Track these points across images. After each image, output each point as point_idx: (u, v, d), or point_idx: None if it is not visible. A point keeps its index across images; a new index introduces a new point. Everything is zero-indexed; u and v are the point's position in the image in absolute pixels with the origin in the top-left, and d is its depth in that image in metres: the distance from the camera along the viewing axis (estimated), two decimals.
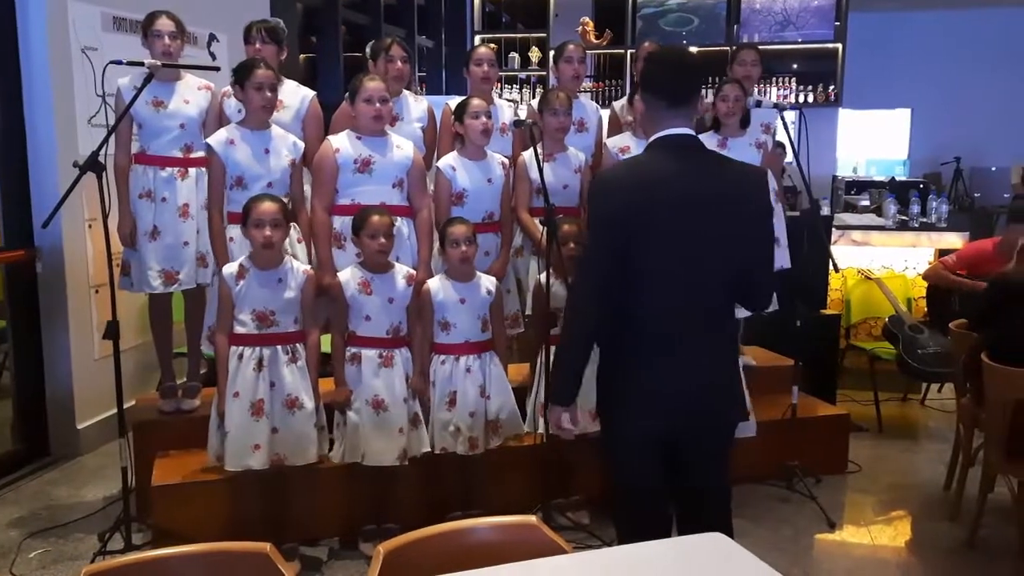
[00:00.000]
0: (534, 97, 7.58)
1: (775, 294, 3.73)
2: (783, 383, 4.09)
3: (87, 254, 4.35)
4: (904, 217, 5.87)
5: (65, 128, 4.20)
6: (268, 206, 3.09)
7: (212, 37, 5.17)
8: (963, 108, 8.67)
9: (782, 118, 4.02)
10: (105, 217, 3.18)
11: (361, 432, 3.25)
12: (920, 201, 5.91)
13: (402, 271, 3.35)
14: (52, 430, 4.33)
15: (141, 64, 3.40)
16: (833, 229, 5.46)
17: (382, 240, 3.23)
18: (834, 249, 4.54)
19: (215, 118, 3.67)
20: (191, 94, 3.64)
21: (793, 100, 8.29)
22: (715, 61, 6.65)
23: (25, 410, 4.28)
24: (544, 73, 8.66)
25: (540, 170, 3.40)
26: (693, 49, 7.42)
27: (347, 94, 3.56)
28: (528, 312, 3.82)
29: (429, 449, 3.37)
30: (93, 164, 3.11)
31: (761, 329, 4.57)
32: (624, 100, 4.39)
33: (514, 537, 1.83)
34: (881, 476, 4.20)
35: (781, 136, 4.16)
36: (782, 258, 4.09)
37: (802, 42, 8.31)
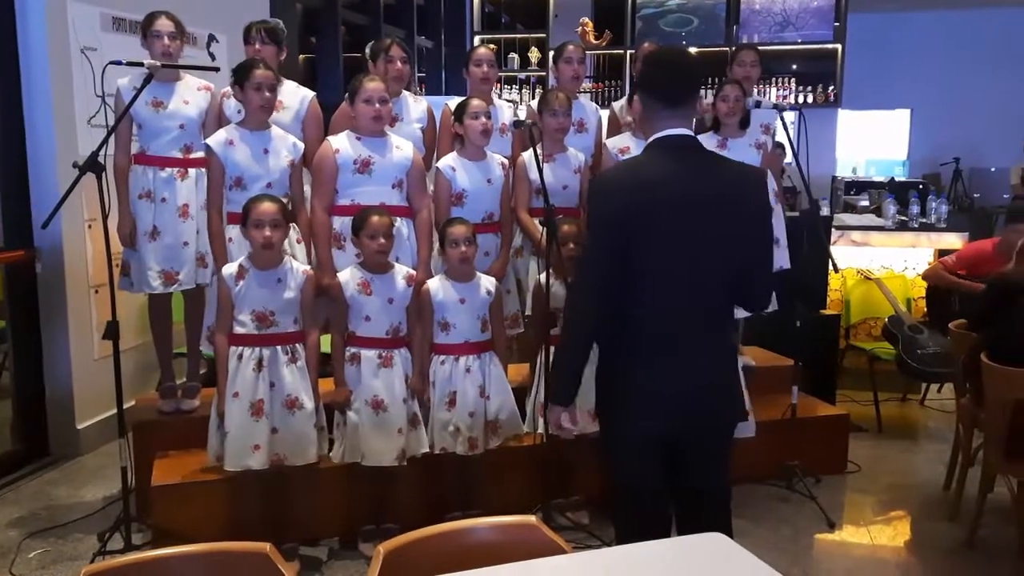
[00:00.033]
0: (533, 98, 7.57)
1: (775, 294, 3.75)
2: (783, 383, 4.09)
3: (87, 254, 4.35)
4: (903, 217, 5.87)
5: (65, 128, 4.20)
6: (268, 206, 3.09)
7: (212, 38, 5.17)
8: (962, 109, 8.68)
9: (782, 119, 4.02)
10: (105, 217, 3.18)
11: (360, 432, 3.26)
12: (919, 201, 5.91)
13: (402, 271, 3.35)
14: (52, 430, 4.33)
15: (141, 64, 3.40)
16: (833, 229, 5.47)
17: (382, 240, 3.23)
18: (834, 249, 4.54)
19: (215, 119, 3.67)
20: (191, 95, 3.64)
21: (792, 101, 8.30)
22: (714, 62, 6.66)
23: (25, 410, 4.28)
24: (543, 74, 8.66)
25: (540, 170, 3.40)
26: (692, 50, 7.43)
27: (347, 95, 3.56)
28: (528, 312, 3.82)
29: (428, 450, 3.37)
30: (93, 164, 3.12)
31: (761, 329, 4.58)
32: (624, 101, 4.39)
33: (514, 537, 1.83)
34: (881, 476, 4.20)
35: (781, 137, 4.16)
36: (782, 258, 4.09)
37: (801, 43, 8.31)
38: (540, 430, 3.42)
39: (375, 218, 3.22)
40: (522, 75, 8.90)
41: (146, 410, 3.77)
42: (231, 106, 3.67)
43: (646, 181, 2.28)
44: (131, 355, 4.32)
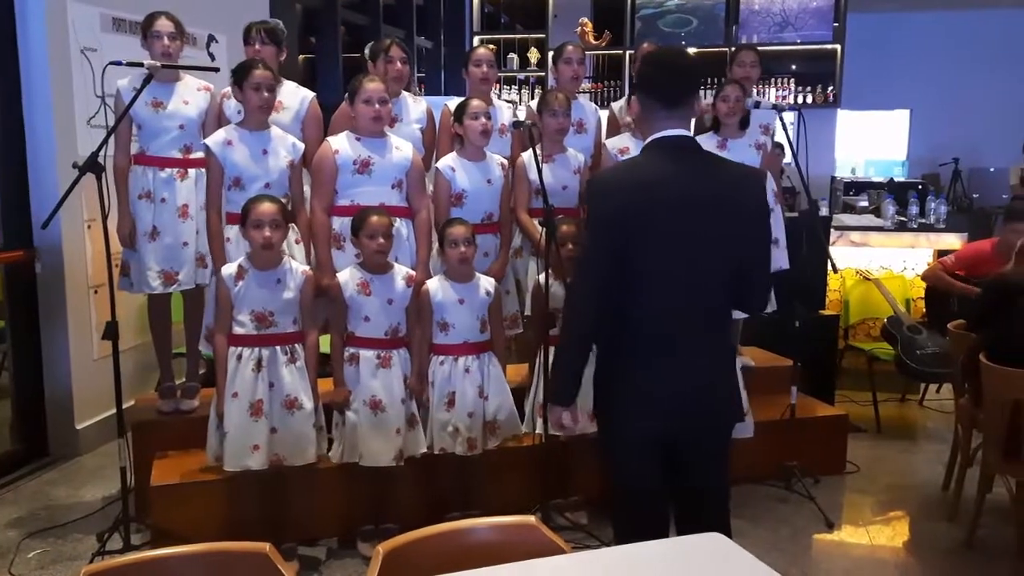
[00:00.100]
0: (533, 98, 7.56)
1: (774, 295, 3.76)
2: (782, 383, 4.10)
3: (86, 255, 4.35)
4: (903, 218, 5.88)
5: (64, 129, 4.21)
6: (267, 207, 3.10)
7: (211, 38, 5.17)
8: (962, 109, 8.67)
9: (781, 119, 4.02)
10: (104, 218, 3.18)
11: (358, 432, 3.26)
12: (919, 202, 5.92)
13: (401, 272, 3.35)
14: (51, 430, 4.33)
15: (140, 65, 3.40)
16: (832, 230, 5.47)
17: (381, 241, 3.23)
18: (833, 250, 4.55)
19: (214, 119, 3.67)
20: (190, 95, 3.65)
21: (792, 101, 8.30)
22: (714, 62, 6.67)
23: (24, 410, 4.28)
24: (543, 74, 8.66)
25: (539, 171, 3.41)
26: (691, 50, 7.44)
27: (346, 95, 3.56)
28: (527, 313, 3.82)
29: (426, 450, 3.37)
30: (92, 165, 3.12)
31: (760, 330, 4.58)
32: (623, 101, 4.39)
33: (513, 537, 1.83)
34: (879, 476, 4.20)
35: (780, 137, 4.16)
36: (781, 259, 4.09)
37: (801, 43, 8.32)
38: (539, 430, 3.42)
39: (374, 218, 3.23)
40: (521, 75, 8.90)
41: (145, 410, 3.77)
42: (231, 106, 3.67)
43: (644, 182, 2.29)
44: (130, 355, 4.32)
